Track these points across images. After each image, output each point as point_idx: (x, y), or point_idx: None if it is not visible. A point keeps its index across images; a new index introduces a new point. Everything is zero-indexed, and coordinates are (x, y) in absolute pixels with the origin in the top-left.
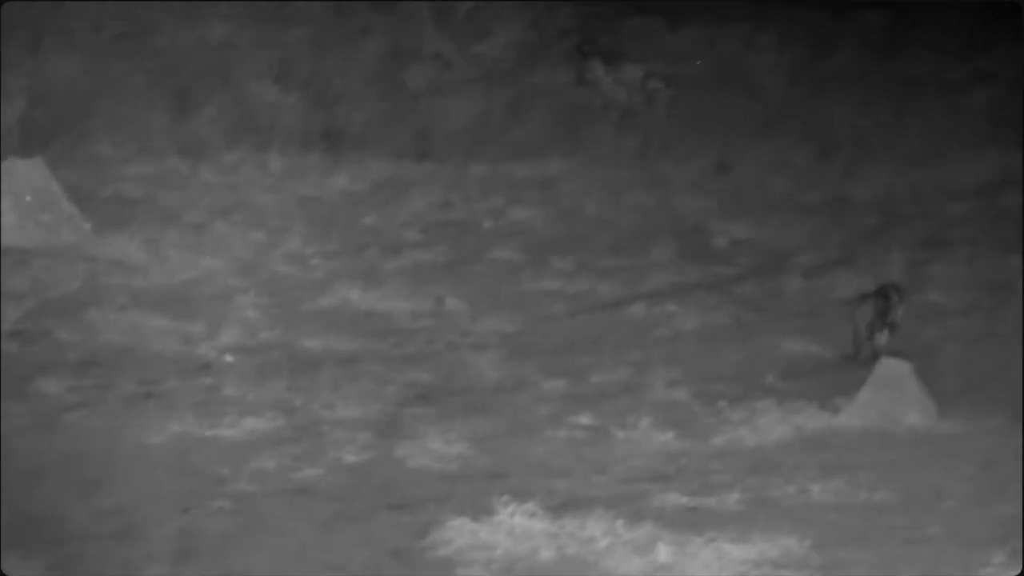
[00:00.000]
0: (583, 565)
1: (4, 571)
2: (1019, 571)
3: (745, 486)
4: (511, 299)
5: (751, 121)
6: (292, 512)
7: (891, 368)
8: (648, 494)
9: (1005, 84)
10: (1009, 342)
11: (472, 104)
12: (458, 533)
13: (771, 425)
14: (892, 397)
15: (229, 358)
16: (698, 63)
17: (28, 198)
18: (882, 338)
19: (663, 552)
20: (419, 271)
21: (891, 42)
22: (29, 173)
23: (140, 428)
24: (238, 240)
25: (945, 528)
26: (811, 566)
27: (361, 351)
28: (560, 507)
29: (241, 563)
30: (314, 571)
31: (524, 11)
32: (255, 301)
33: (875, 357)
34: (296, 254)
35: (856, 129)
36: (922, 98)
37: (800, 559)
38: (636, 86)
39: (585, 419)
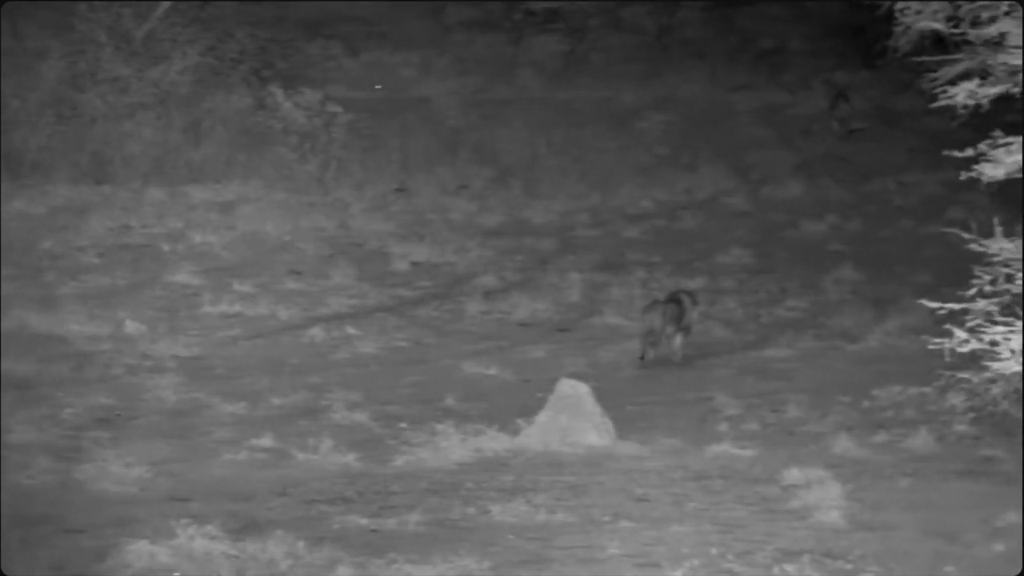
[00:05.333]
0: None
1: (4, 571)
2: (1019, 571)
3: (425, 508)
4: (190, 322)
5: (430, 145)
6: None
7: (570, 390)
8: (329, 516)
9: (680, 109)
10: (684, 363)
11: (150, 128)
12: (137, 557)
13: (451, 447)
14: (571, 418)
15: None
16: (377, 88)
17: None
18: (676, 341)
19: (344, 574)
20: (98, 295)
21: (567, 68)
22: None
23: None
24: None
25: (622, 548)
26: None
27: (39, 375)
28: (241, 530)
29: None
30: None
31: (201, 36)
32: None
33: (672, 359)
34: None
35: (533, 153)
36: (599, 123)
37: None
38: (315, 110)
39: (265, 442)
